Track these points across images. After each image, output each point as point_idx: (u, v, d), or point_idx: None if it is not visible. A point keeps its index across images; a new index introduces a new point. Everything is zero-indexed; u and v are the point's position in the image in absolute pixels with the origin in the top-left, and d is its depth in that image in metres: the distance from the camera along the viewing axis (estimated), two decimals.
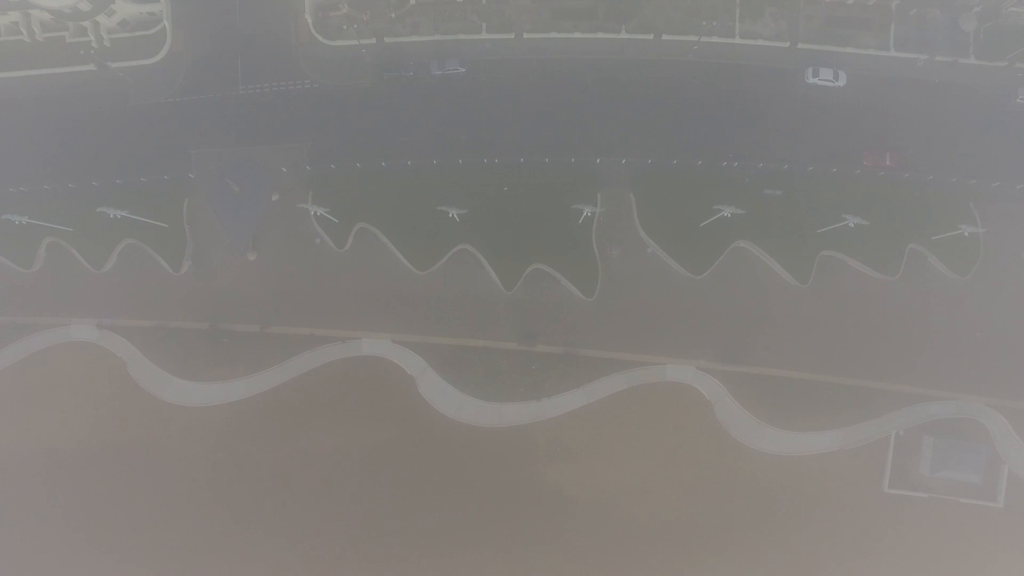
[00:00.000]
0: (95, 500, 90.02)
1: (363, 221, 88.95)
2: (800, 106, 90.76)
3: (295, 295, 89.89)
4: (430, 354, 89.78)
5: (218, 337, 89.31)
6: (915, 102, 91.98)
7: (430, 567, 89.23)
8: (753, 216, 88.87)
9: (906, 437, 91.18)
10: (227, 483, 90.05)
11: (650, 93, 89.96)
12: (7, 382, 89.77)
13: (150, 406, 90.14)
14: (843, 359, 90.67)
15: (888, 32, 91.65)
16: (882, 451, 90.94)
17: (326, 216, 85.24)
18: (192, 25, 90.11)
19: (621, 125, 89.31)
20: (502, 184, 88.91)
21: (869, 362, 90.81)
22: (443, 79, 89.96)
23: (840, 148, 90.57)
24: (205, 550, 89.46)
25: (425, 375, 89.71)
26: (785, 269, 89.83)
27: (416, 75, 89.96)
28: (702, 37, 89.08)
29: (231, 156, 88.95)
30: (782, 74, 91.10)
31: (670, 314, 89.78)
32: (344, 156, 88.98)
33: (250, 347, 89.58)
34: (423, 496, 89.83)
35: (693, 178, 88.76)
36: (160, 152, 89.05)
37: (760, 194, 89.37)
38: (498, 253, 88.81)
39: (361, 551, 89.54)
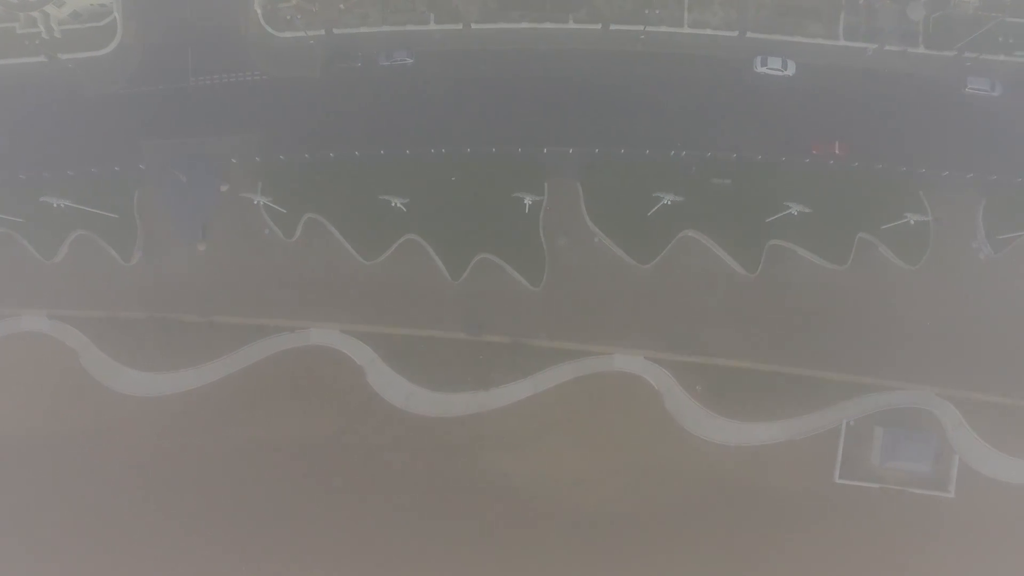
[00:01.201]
0: (47, 491, 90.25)
1: (311, 211, 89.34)
2: (749, 95, 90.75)
3: (245, 285, 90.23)
4: (379, 344, 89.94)
5: (169, 327, 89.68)
6: (864, 91, 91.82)
7: (378, 557, 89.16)
8: (701, 205, 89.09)
9: (856, 427, 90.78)
10: (178, 473, 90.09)
11: (598, 83, 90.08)
12: None
13: (102, 396, 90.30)
14: (792, 349, 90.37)
15: (837, 21, 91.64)
16: (833, 441, 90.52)
17: (272, 206, 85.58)
18: (143, 17, 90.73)
19: (568, 115, 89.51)
20: (449, 174, 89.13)
21: (819, 352, 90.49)
22: (391, 70, 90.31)
23: (789, 137, 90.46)
24: (155, 540, 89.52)
25: (374, 365, 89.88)
26: (734, 258, 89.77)
27: (365, 66, 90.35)
28: (649, 27, 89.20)
29: (181, 147, 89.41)
30: (731, 63, 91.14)
31: (618, 304, 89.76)
32: (293, 147, 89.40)
33: (200, 337, 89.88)
34: (372, 486, 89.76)
35: (640, 168, 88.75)
36: (111, 143, 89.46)
37: (708, 183, 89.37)
38: (445, 243, 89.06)
39: (310, 540, 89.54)
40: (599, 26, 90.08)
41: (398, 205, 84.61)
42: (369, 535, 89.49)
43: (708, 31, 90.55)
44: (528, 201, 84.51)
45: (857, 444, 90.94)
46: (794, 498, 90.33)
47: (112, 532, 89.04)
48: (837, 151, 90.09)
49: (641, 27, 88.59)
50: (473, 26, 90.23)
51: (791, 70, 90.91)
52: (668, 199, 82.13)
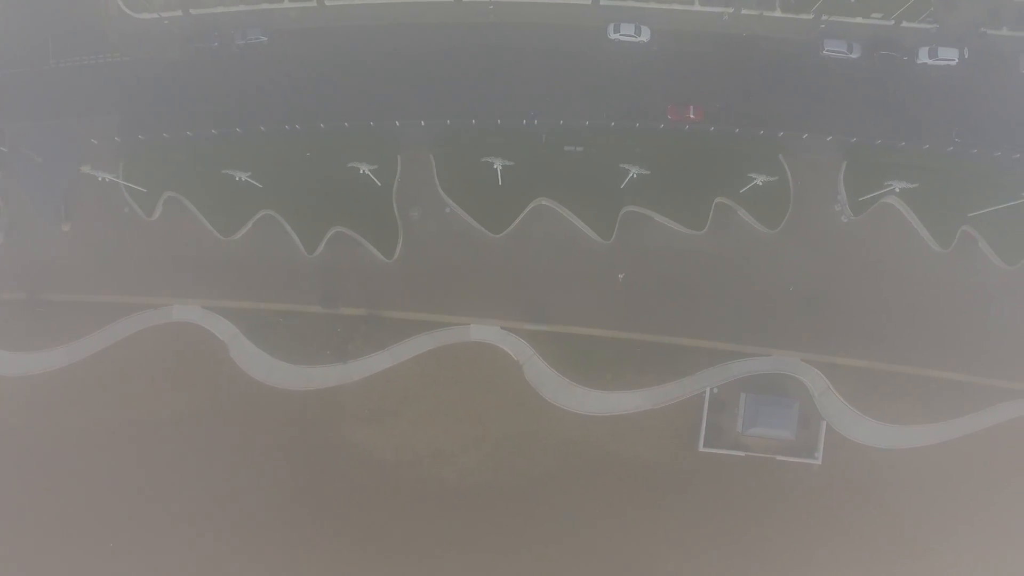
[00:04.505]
0: None
1: (171, 190, 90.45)
2: (602, 62, 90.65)
3: (109, 264, 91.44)
4: (240, 319, 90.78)
5: (35, 307, 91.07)
6: (721, 56, 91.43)
7: (242, 529, 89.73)
8: (554, 173, 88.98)
9: (721, 395, 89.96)
10: (49, 452, 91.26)
11: (450, 56, 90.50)
12: None
13: None
14: (652, 316, 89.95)
15: None
16: (697, 410, 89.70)
17: (117, 181, 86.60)
18: (1, 1, 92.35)
19: (420, 88, 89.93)
20: (303, 150, 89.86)
21: (679, 318, 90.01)
22: (246, 49, 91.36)
23: (644, 103, 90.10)
24: (28, 522, 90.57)
25: (236, 340, 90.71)
26: (588, 226, 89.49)
27: (221, 46, 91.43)
28: None
29: (44, 129, 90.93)
30: (584, 31, 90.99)
31: (473, 274, 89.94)
32: (152, 127, 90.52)
33: (67, 316, 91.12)
34: (236, 460, 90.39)
35: (491, 138, 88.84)
36: None
37: (560, 151, 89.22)
38: (300, 217, 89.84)
39: (177, 515, 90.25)
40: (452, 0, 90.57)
41: (244, 179, 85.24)
42: (234, 508, 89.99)
43: None
44: (362, 170, 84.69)
45: (722, 412, 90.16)
46: (657, 467, 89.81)
47: None
48: (692, 116, 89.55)
49: None
50: (327, 3, 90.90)
51: (645, 36, 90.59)
52: (497, 164, 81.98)
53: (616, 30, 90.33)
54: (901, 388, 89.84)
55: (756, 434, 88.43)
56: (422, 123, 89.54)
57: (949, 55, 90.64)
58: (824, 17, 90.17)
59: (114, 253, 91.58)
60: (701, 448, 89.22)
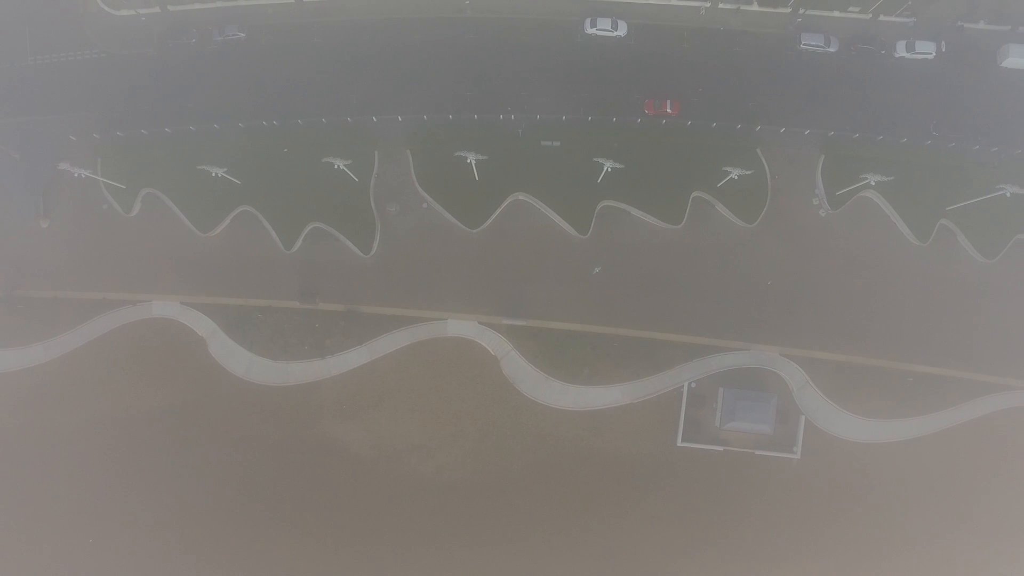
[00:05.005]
0: None
1: (149, 186, 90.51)
2: (579, 57, 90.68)
3: (87, 260, 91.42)
4: (218, 315, 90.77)
5: (13, 303, 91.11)
6: (699, 50, 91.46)
7: (221, 525, 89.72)
8: (530, 168, 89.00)
9: (699, 390, 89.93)
10: (26, 448, 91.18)
11: (427, 51, 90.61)
12: None
13: None
14: (629, 310, 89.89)
15: None
16: (675, 404, 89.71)
17: (94, 177, 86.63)
18: None
19: (398, 83, 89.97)
20: (281, 146, 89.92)
21: (656, 313, 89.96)
22: (224, 45, 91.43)
23: (621, 98, 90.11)
24: (3, 517, 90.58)
25: (215, 336, 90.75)
26: (565, 220, 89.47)
27: (199, 42, 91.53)
28: None
29: (22, 126, 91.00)
30: (561, 26, 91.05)
31: (450, 269, 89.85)
32: (131, 123, 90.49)
33: (45, 312, 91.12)
34: (215, 455, 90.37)
35: (469, 133, 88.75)
36: None
37: (537, 146, 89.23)
38: (278, 213, 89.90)
39: (157, 512, 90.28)
40: None
41: (220, 175, 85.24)
42: (212, 503, 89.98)
43: None
44: (337, 165, 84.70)
45: (701, 407, 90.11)
46: (636, 462, 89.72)
47: None
48: (670, 110, 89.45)
49: None
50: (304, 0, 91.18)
51: (622, 30, 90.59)
52: (471, 158, 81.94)
53: (593, 24, 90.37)
54: (880, 382, 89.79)
55: (734, 428, 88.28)
56: (399, 119, 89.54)
57: (926, 49, 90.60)
58: (801, 11, 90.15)
59: (93, 249, 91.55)
60: (679, 443, 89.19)
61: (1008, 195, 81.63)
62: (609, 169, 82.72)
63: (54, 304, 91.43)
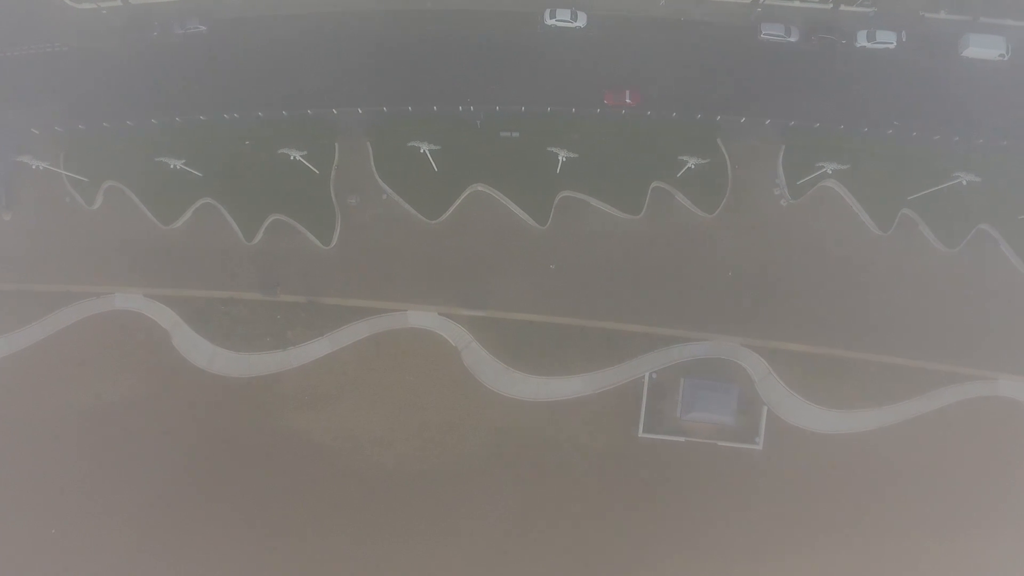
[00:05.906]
0: None
1: (111, 179, 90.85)
2: (538, 48, 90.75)
3: (51, 253, 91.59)
4: (181, 307, 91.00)
5: None
6: (659, 40, 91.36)
7: (184, 518, 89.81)
8: (489, 159, 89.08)
9: (661, 381, 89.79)
10: None
11: (386, 43, 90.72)
12: None
13: None
14: (589, 301, 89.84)
15: None
16: (637, 395, 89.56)
17: (52, 169, 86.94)
18: None
19: (357, 75, 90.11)
20: (242, 138, 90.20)
21: (617, 303, 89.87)
22: (185, 38, 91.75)
23: (580, 88, 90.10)
24: None
25: (178, 328, 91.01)
26: (524, 211, 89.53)
27: (160, 35, 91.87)
28: None
29: None
30: (520, 17, 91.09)
31: (410, 260, 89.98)
32: (93, 116, 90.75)
33: (8, 305, 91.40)
34: (180, 448, 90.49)
35: (428, 124, 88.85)
36: None
37: (496, 137, 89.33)
38: (239, 205, 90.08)
39: (121, 505, 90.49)
40: None
41: (178, 167, 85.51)
42: (176, 495, 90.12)
43: None
44: (293, 156, 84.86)
45: (663, 398, 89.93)
46: (597, 453, 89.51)
47: None
48: (629, 100, 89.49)
49: None
50: None
51: (582, 21, 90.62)
52: (424, 148, 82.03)
53: (552, 15, 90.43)
54: (842, 373, 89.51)
55: (695, 419, 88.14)
56: (359, 111, 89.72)
57: (887, 38, 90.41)
58: (762, 0, 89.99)
59: (55, 242, 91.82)
60: (641, 434, 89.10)
61: (964, 183, 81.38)
62: (564, 159, 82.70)
63: (16, 296, 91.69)
